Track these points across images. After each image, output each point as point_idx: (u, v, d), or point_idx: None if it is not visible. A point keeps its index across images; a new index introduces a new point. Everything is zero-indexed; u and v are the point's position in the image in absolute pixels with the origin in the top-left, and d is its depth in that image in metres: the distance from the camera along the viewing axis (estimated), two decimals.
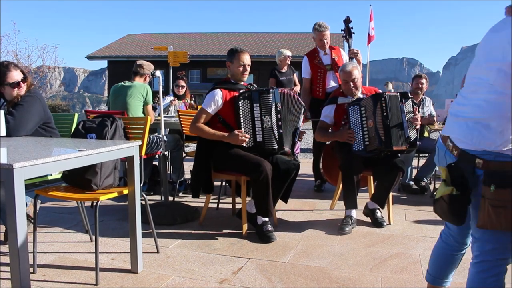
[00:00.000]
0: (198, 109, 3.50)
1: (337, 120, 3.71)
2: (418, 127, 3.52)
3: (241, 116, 3.22)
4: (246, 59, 3.32)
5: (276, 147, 3.25)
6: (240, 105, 3.21)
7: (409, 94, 3.52)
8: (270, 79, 6.22)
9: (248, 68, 3.35)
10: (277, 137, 3.25)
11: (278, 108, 3.27)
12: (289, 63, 6.36)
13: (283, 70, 6.28)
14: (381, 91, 3.61)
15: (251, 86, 3.38)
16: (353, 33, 4.59)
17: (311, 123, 5.04)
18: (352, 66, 3.69)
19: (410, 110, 3.48)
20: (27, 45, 35.32)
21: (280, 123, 3.27)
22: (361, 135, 3.46)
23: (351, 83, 3.64)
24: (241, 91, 3.28)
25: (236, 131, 3.16)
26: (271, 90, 3.27)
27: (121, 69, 19.55)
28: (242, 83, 3.39)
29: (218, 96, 3.24)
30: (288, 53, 6.28)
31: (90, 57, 25.78)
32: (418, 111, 4.79)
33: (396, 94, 3.46)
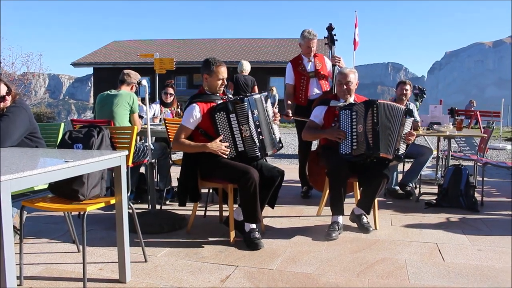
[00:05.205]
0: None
1: (326, 122, 3.75)
2: (409, 143, 3.59)
3: (219, 128, 3.22)
4: (225, 72, 3.34)
5: (259, 154, 3.27)
6: (217, 117, 3.21)
7: (413, 113, 3.62)
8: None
9: (225, 81, 3.37)
10: (258, 144, 3.26)
11: (255, 115, 3.27)
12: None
13: None
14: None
15: (226, 97, 3.39)
16: (336, 40, 4.66)
17: (295, 128, 5.08)
18: (349, 69, 3.79)
19: (408, 129, 3.56)
20: (11, 52, 34.68)
21: (259, 130, 3.27)
22: (349, 139, 3.50)
23: (345, 85, 3.70)
24: (217, 103, 3.28)
25: (217, 140, 3.18)
26: (245, 98, 3.25)
27: (107, 75, 19.41)
28: (218, 93, 3.39)
29: (196, 111, 3.24)
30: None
31: (75, 64, 25.55)
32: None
33: (402, 107, 3.54)
